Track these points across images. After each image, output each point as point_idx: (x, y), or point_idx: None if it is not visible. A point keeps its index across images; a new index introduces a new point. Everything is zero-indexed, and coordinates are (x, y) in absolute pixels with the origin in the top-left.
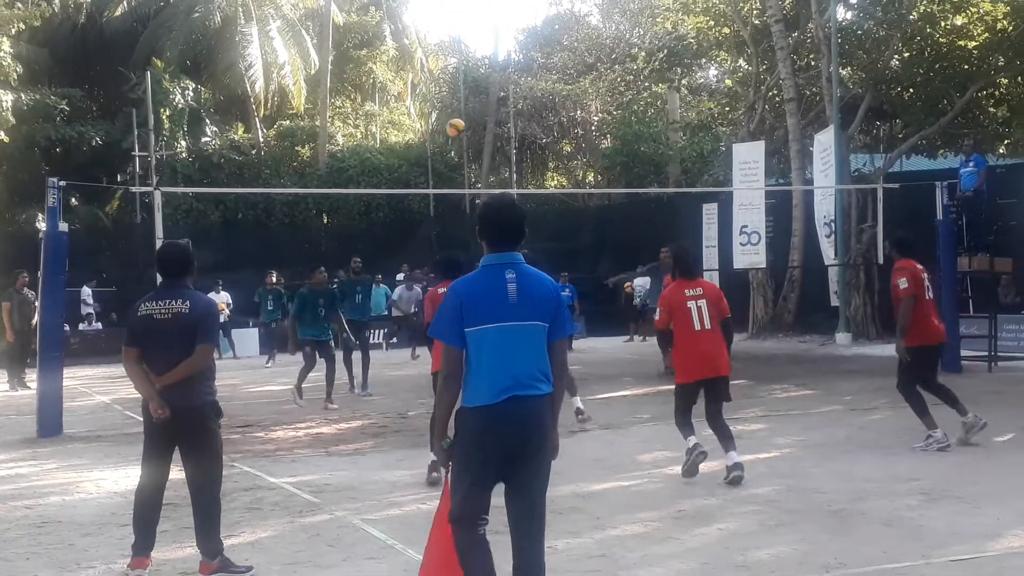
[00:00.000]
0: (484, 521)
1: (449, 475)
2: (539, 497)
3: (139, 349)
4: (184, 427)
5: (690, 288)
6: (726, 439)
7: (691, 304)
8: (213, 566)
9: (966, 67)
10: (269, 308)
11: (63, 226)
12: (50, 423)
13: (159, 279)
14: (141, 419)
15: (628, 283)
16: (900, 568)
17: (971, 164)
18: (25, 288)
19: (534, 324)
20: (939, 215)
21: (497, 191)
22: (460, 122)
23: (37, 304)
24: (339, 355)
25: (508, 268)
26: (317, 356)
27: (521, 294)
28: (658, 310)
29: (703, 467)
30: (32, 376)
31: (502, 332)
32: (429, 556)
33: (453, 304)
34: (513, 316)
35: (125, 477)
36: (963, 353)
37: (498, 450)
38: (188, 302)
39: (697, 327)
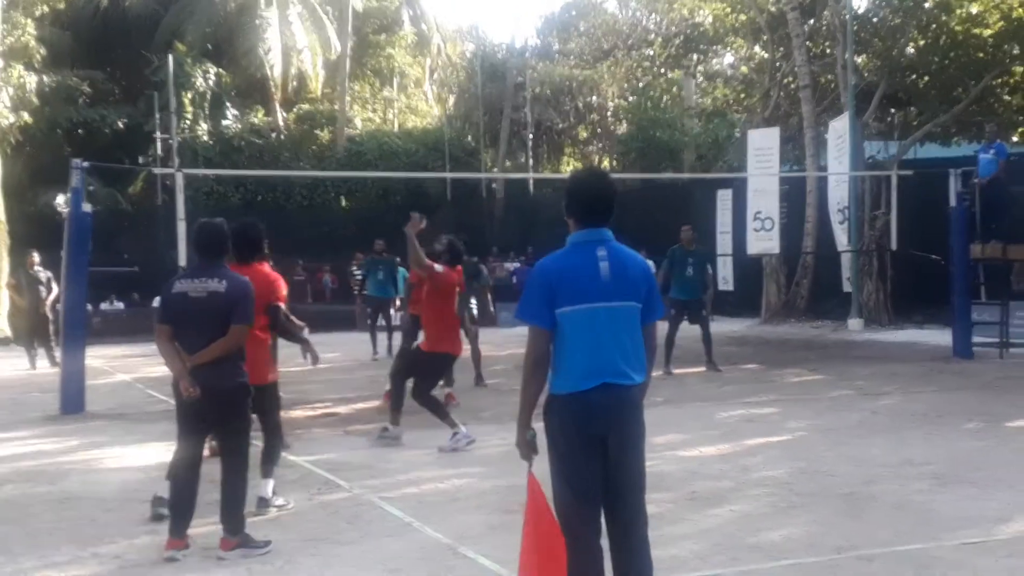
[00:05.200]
0: (595, 529)
1: (532, 470)
2: (635, 495)
3: (172, 327)
4: (216, 408)
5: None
6: None
7: None
8: (234, 542)
9: (981, 55)
10: None
11: (86, 207)
12: (73, 401)
13: (185, 259)
14: (162, 397)
15: None
16: (910, 551)
17: (992, 152)
18: (36, 267)
19: (629, 305)
20: (952, 203)
21: (514, 175)
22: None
23: (48, 283)
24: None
25: (599, 245)
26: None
27: (614, 273)
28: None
29: (715, 449)
30: (41, 354)
31: (595, 313)
32: (524, 559)
33: (542, 283)
34: (606, 296)
35: (146, 454)
36: (975, 340)
37: (592, 440)
38: (224, 281)
39: None
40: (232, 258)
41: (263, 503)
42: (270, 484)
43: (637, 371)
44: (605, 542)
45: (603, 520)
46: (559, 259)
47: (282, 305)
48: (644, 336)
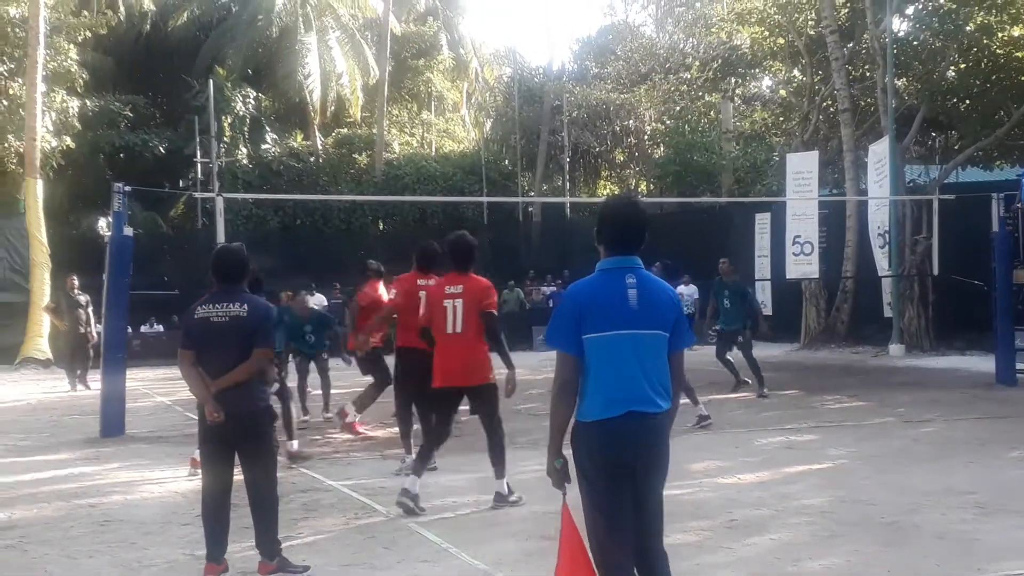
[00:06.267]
0: (630, 557)
1: (566, 500)
2: (656, 518)
3: (195, 352)
4: (241, 432)
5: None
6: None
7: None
8: (272, 566)
9: (1023, 78)
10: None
11: (128, 231)
12: (113, 423)
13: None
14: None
15: (679, 292)
16: None
17: None
18: (75, 290)
19: (655, 333)
20: (995, 227)
21: (550, 199)
22: None
23: (87, 306)
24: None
25: (628, 273)
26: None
27: (642, 301)
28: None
29: (754, 477)
30: (94, 376)
31: (622, 340)
32: None
33: (571, 309)
34: (634, 324)
35: (186, 477)
36: (1019, 366)
37: (619, 467)
38: (246, 306)
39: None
40: (451, 267)
41: (500, 498)
42: (504, 482)
43: (663, 398)
44: None
45: None
46: (587, 286)
47: (495, 312)
48: (671, 364)
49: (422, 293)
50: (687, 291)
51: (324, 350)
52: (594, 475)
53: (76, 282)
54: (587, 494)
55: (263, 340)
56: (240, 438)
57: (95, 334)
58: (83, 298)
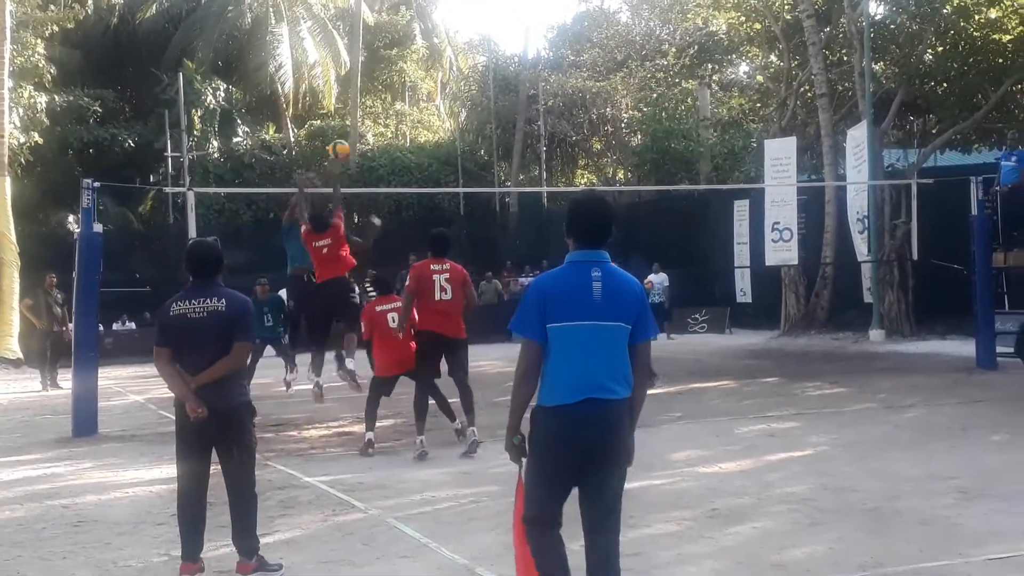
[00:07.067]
0: (558, 524)
1: (522, 474)
2: (614, 502)
3: (171, 349)
4: (221, 427)
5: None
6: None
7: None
8: (251, 565)
9: (1000, 61)
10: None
11: (97, 227)
12: (85, 423)
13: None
14: (175, 418)
15: (648, 281)
16: (937, 567)
17: (1014, 159)
18: (53, 288)
19: (617, 325)
20: (974, 211)
21: (527, 189)
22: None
23: (63, 304)
24: None
25: (594, 266)
26: None
27: (605, 293)
28: None
29: (735, 465)
30: (64, 376)
31: (583, 331)
32: (518, 559)
33: (536, 298)
34: (596, 315)
35: (160, 476)
36: (999, 350)
37: (573, 452)
38: (224, 300)
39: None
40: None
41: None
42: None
43: (622, 386)
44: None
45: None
46: (554, 277)
47: None
48: (636, 354)
49: (436, 277)
50: (657, 279)
51: (282, 333)
52: (544, 453)
53: (55, 280)
54: (532, 464)
55: (242, 334)
56: (220, 434)
57: (69, 333)
58: (60, 296)
